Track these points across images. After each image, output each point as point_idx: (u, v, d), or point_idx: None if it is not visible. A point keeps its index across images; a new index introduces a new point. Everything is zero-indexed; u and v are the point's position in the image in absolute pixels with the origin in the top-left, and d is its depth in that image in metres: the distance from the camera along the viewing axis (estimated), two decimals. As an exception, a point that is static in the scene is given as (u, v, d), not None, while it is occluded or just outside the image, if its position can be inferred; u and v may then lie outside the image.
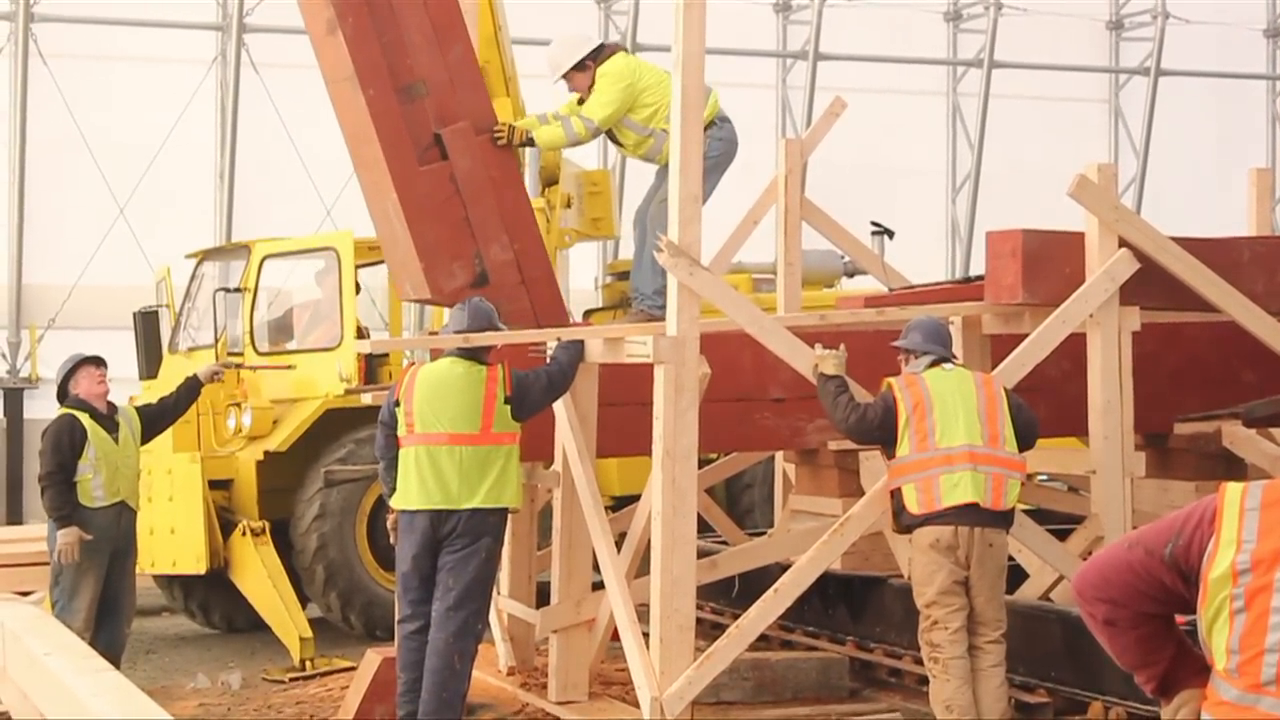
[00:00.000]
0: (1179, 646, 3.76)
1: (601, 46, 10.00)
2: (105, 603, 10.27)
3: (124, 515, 10.34)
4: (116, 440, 10.31)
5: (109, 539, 10.21)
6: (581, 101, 9.94)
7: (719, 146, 9.89)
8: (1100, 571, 3.72)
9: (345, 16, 8.95)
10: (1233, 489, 3.53)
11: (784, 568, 8.86)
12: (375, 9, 9.02)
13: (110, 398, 10.48)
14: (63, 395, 10.44)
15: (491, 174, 9.22)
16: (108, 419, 10.33)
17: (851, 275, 16.55)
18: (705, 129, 9.73)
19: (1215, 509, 3.53)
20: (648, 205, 10.20)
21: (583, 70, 9.88)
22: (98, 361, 10.49)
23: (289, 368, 13.99)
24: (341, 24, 8.95)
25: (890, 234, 13.42)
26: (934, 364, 8.24)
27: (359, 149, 9.36)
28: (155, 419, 10.81)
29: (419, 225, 9.03)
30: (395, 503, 8.65)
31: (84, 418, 10.21)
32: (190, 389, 11.02)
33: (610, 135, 10.07)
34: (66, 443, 10.13)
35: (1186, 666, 3.75)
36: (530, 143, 9.78)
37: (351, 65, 8.95)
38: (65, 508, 10.07)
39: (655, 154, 9.85)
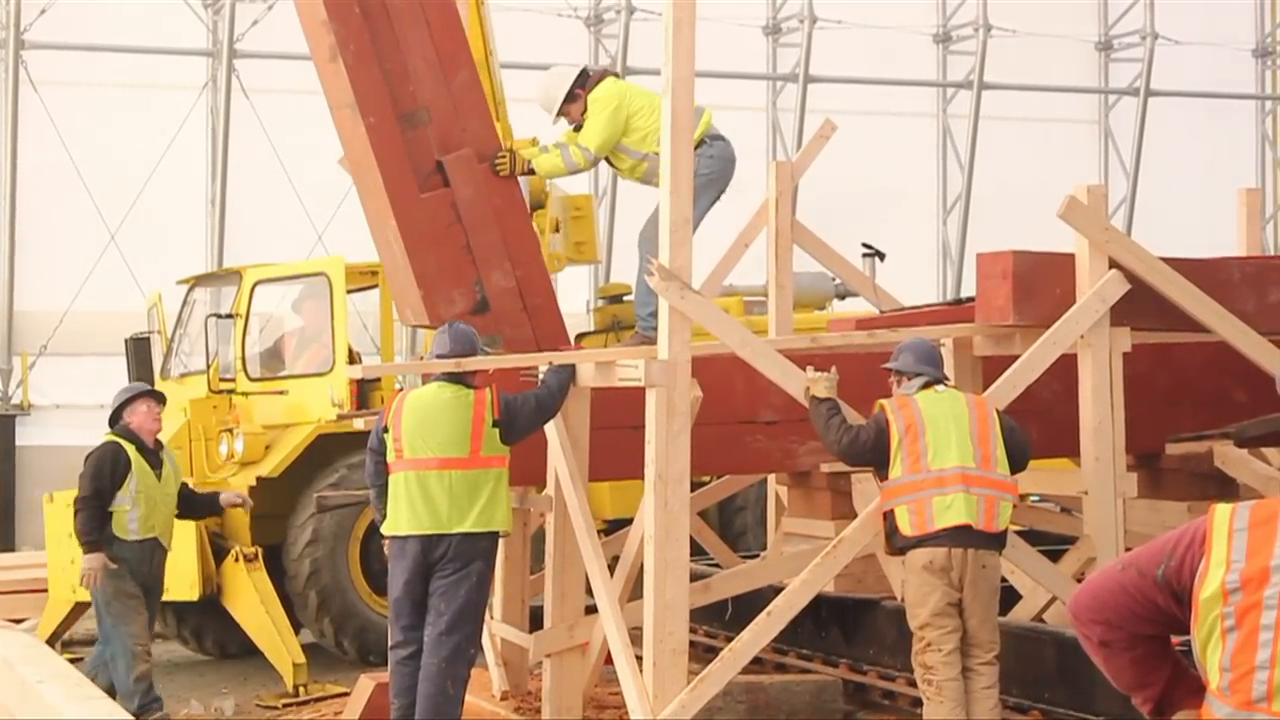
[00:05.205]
0: (1175, 667, 3.78)
1: (585, 72, 10.05)
2: None
3: (156, 553, 10.28)
4: (159, 477, 10.25)
5: (138, 575, 10.14)
6: (578, 129, 9.98)
7: (710, 165, 9.89)
8: (1095, 593, 3.75)
9: (346, 44, 8.96)
10: (1221, 510, 3.57)
11: (777, 590, 8.84)
12: (378, 36, 9.03)
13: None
14: (114, 421, 10.40)
15: (494, 201, 9.26)
16: (153, 454, 10.29)
17: (843, 297, 16.57)
18: (695, 148, 9.80)
19: (1205, 530, 3.56)
20: (649, 228, 10.21)
21: (574, 100, 9.95)
22: (160, 398, 10.49)
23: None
24: (342, 51, 8.96)
25: (881, 256, 13.43)
26: (926, 386, 8.25)
27: (361, 175, 9.36)
28: (186, 500, 10.72)
29: (418, 252, 9.04)
30: (386, 529, 8.63)
31: (130, 448, 10.17)
32: (210, 505, 11.07)
33: (607, 159, 10.10)
34: (108, 471, 10.06)
35: (1183, 687, 3.76)
36: (531, 171, 9.79)
37: (352, 92, 8.97)
38: (94, 533, 10.01)
39: (652, 177, 9.84)
